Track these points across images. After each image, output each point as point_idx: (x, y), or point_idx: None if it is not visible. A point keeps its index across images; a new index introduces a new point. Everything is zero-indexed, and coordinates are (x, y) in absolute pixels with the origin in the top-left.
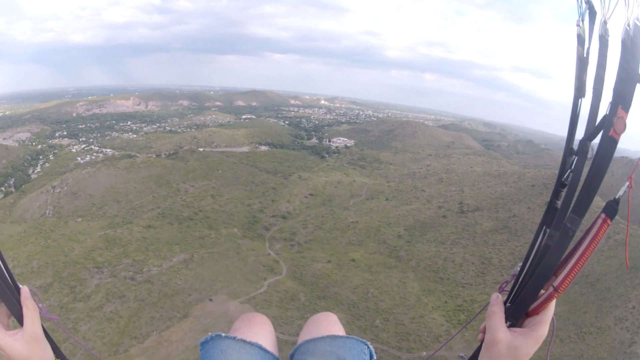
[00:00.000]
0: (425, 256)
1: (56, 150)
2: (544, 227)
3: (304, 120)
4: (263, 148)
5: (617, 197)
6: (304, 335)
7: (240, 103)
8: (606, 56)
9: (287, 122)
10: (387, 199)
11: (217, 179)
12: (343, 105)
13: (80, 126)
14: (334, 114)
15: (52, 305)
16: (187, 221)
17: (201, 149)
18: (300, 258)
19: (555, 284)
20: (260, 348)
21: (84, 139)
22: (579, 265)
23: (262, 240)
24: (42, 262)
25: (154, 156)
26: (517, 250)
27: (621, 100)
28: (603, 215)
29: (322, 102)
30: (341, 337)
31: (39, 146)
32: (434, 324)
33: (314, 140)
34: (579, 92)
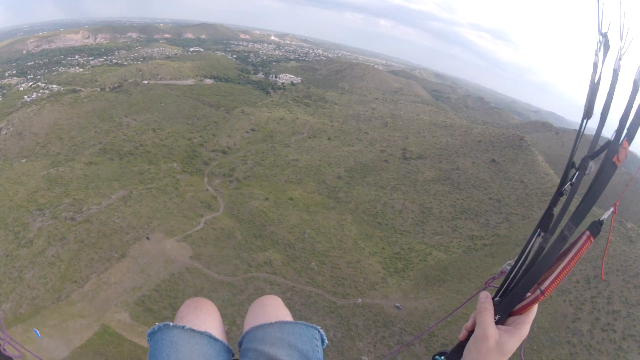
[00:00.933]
0: (364, 199)
1: (5, 91)
2: (539, 230)
3: (252, 55)
4: (208, 81)
5: (601, 219)
6: (251, 321)
7: (190, 36)
8: (615, 88)
9: (234, 57)
10: (329, 139)
11: (160, 112)
12: (293, 43)
13: (30, 63)
14: (284, 50)
15: None
16: (128, 156)
17: (145, 82)
18: (238, 195)
19: (542, 287)
20: (211, 337)
21: (32, 76)
22: (564, 273)
23: (201, 175)
24: None
25: (99, 90)
26: (458, 203)
27: (627, 134)
28: (588, 233)
29: (273, 38)
30: (290, 323)
31: None
32: (371, 270)
33: (260, 76)
34: (587, 114)
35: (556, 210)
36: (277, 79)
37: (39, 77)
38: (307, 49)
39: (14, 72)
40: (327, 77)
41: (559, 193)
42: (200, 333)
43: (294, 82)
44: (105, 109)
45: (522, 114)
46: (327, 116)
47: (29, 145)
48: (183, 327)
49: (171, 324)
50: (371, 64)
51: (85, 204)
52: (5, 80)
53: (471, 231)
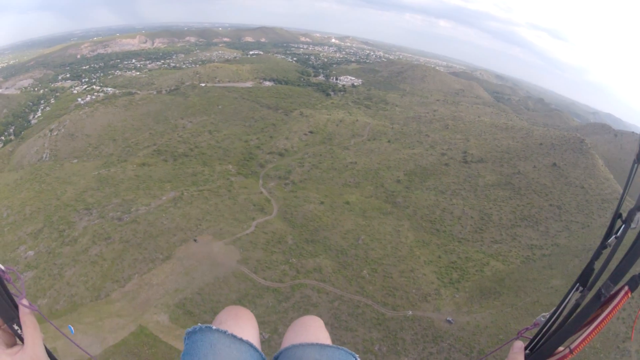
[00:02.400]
0: (423, 205)
1: (58, 93)
2: (578, 284)
3: (312, 57)
4: (267, 84)
5: None
6: (291, 339)
7: (249, 39)
8: None
9: (295, 59)
10: (389, 141)
11: (217, 114)
12: (354, 45)
13: (84, 67)
14: (344, 52)
15: (40, 251)
16: (182, 158)
17: (203, 84)
18: (293, 198)
19: (572, 345)
20: (251, 346)
21: (87, 79)
22: (596, 331)
23: (256, 177)
24: (34, 207)
25: (155, 92)
26: (518, 210)
27: None
28: (626, 288)
29: (333, 40)
30: (330, 347)
31: (41, 91)
32: (424, 281)
33: (321, 78)
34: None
35: (598, 264)
36: (338, 81)
37: (93, 80)
38: (367, 51)
39: (68, 75)
40: (387, 79)
41: (603, 246)
42: (241, 340)
43: (355, 84)
44: (161, 111)
45: (581, 116)
46: (387, 118)
47: (81, 146)
48: (225, 332)
49: (213, 326)
50: (432, 66)
51: (134, 204)
52: (59, 84)
53: (530, 240)
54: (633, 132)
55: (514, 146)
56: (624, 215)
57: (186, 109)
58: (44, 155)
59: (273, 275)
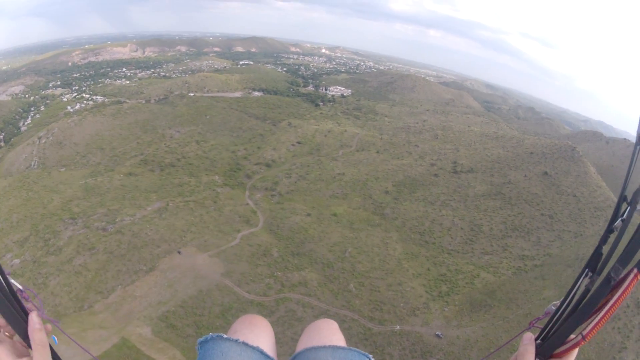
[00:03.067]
0: (412, 216)
1: (48, 101)
2: (587, 270)
3: (302, 67)
4: (256, 94)
5: None
6: (305, 342)
7: (240, 49)
8: None
9: (284, 69)
10: (378, 152)
11: (204, 124)
12: (344, 55)
13: (75, 75)
14: (334, 63)
15: (26, 260)
16: (169, 168)
17: (192, 94)
18: (279, 209)
19: (584, 332)
20: (262, 353)
21: (77, 87)
22: (607, 316)
23: (243, 189)
24: (21, 215)
25: (144, 102)
26: (509, 220)
27: None
28: (635, 271)
29: (323, 50)
30: (343, 348)
31: (32, 98)
32: (412, 295)
33: (310, 88)
34: None
35: (605, 249)
36: (327, 92)
37: (84, 88)
38: (358, 62)
39: (58, 83)
40: (377, 89)
41: (610, 230)
42: (252, 347)
43: (344, 94)
44: (149, 121)
45: (572, 124)
46: (376, 128)
47: (69, 154)
48: (236, 340)
49: (225, 335)
50: (422, 76)
51: (119, 214)
52: (49, 91)
53: (522, 250)
54: (624, 139)
55: (504, 155)
56: (629, 197)
57: (174, 118)
58: (33, 163)
59: (257, 288)
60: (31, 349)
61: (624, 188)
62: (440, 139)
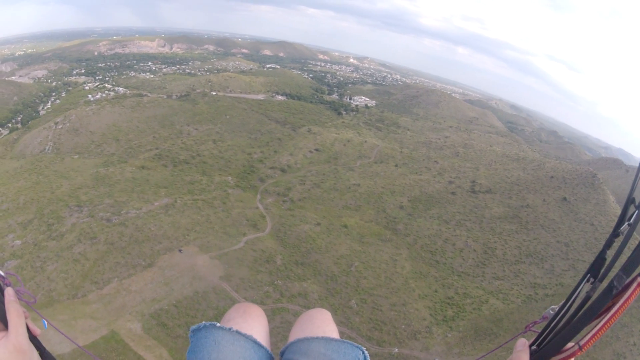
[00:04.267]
0: (424, 233)
1: (70, 88)
2: (589, 275)
3: (329, 75)
4: (279, 98)
5: None
6: (297, 333)
7: (267, 53)
8: None
9: (311, 76)
10: (396, 165)
11: (223, 124)
12: (372, 66)
13: (100, 65)
14: (361, 73)
15: (27, 242)
16: (182, 164)
17: (214, 93)
18: (289, 216)
19: (582, 342)
20: (255, 342)
21: (101, 77)
22: (607, 326)
23: (255, 192)
24: (28, 197)
25: (165, 97)
26: (524, 245)
27: None
28: (639, 279)
29: (351, 60)
30: (336, 340)
31: (54, 83)
32: (416, 317)
33: (335, 96)
34: None
35: (610, 254)
36: (352, 101)
37: (107, 78)
38: (385, 73)
39: (83, 71)
40: (402, 102)
41: (615, 234)
42: (245, 336)
43: (368, 104)
44: (167, 116)
45: (593, 150)
46: (397, 141)
47: (84, 142)
48: (229, 329)
49: (217, 324)
50: (448, 92)
51: (126, 207)
52: (73, 78)
53: (534, 278)
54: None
55: (524, 178)
56: (637, 200)
57: (193, 115)
58: (47, 148)
59: (255, 295)
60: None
61: (632, 191)
62: (461, 157)
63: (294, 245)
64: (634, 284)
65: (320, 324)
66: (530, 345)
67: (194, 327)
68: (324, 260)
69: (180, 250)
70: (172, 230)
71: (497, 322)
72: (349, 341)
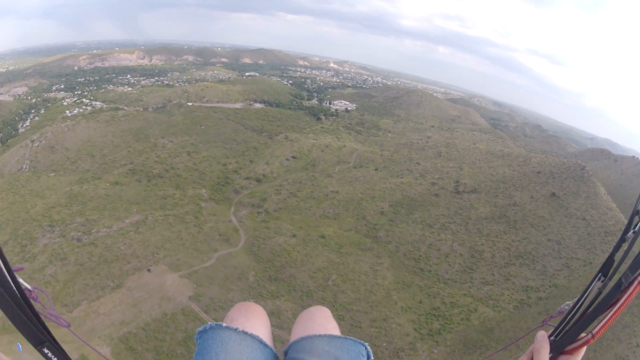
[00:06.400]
0: (407, 240)
1: (49, 104)
2: (600, 274)
3: (308, 81)
4: (257, 106)
5: None
6: (299, 331)
7: (247, 60)
8: None
9: (290, 82)
10: (376, 169)
11: (198, 135)
12: (352, 70)
13: (79, 79)
14: (342, 77)
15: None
16: (156, 179)
17: (190, 104)
18: (263, 228)
19: (594, 331)
20: (260, 341)
21: (79, 92)
22: (614, 316)
23: (229, 204)
24: (4, 219)
25: (141, 109)
26: (513, 246)
27: None
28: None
29: (331, 64)
30: (339, 337)
31: (33, 100)
32: (398, 332)
33: (314, 102)
34: None
35: (618, 256)
36: (331, 105)
37: (85, 93)
38: (365, 76)
39: (62, 86)
40: (383, 104)
41: (622, 239)
42: (252, 336)
43: (349, 108)
44: (142, 129)
45: (578, 142)
46: (377, 144)
47: (60, 159)
48: (236, 329)
49: (223, 324)
50: (430, 92)
51: (96, 225)
52: (52, 94)
53: (526, 280)
54: (633, 157)
55: (510, 175)
56: None
57: (168, 127)
58: (24, 166)
59: (220, 316)
60: None
61: (638, 203)
62: (444, 157)
63: (267, 259)
64: (636, 282)
65: (322, 321)
66: (549, 337)
67: (199, 329)
68: (300, 275)
69: (149, 270)
70: (142, 248)
71: (487, 333)
72: (351, 337)
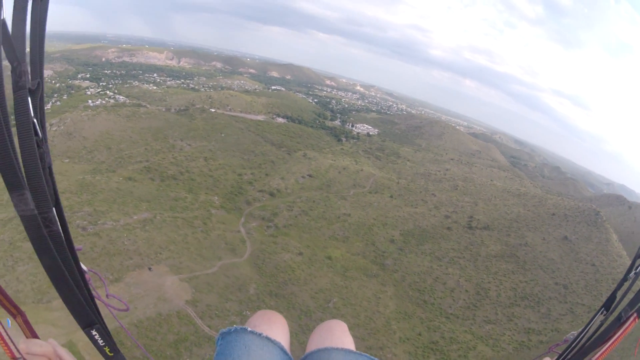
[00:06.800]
0: (414, 270)
1: (73, 91)
2: (603, 308)
3: (334, 101)
4: (280, 120)
5: None
6: (317, 343)
7: (274, 74)
8: None
9: (315, 100)
10: (391, 196)
11: (217, 142)
12: (378, 95)
13: (106, 71)
14: (367, 101)
15: (4, 240)
16: (170, 180)
17: (213, 110)
18: (271, 243)
19: (594, 359)
20: (282, 349)
21: (104, 83)
22: (610, 348)
23: (239, 214)
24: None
25: (163, 109)
26: (520, 286)
27: None
28: (635, 315)
29: (358, 87)
30: (355, 353)
31: (57, 85)
32: None
33: (337, 122)
34: None
35: (620, 293)
36: (354, 128)
37: (110, 85)
38: (390, 103)
39: (88, 75)
40: (405, 132)
41: (624, 279)
42: (274, 342)
43: (370, 133)
44: (162, 129)
45: (595, 186)
46: (395, 172)
47: (76, 147)
48: (260, 334)
49: (248, 328)
50: (452, 124)
51: (104, 217)
52: (77, 82)
53: (528, 322)
54: None
55: (524, 214)
56: None
57: (188, 131)
58: None
59: (220, 325)
60: (108, 347)
61: None
62: (460, 190)
63: (271, 274)
64: (631, 318)
65: (340, 335)
66: None
67: (223, 330)
68: (301, 293)
69: (150, 269)
70: (146, 246)
71: None
72: (367, 355)
